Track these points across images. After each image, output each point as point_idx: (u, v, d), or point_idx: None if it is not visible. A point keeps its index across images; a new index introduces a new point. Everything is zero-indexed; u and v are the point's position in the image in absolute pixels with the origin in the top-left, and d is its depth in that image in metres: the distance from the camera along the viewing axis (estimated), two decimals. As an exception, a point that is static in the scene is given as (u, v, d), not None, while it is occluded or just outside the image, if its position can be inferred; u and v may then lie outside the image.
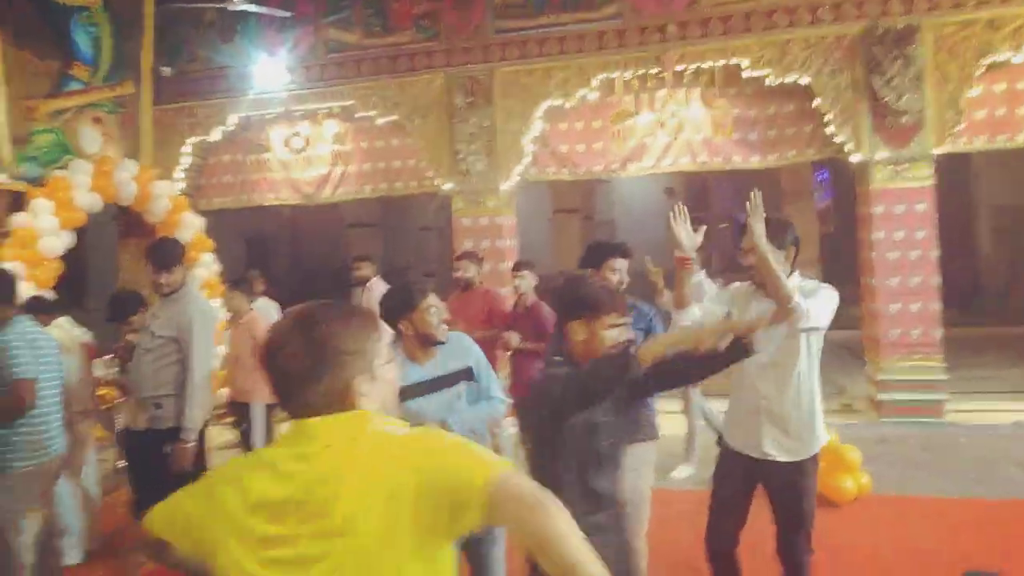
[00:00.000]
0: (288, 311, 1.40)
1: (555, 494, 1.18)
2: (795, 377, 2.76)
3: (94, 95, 7.02)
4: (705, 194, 14.18)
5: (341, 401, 1.29)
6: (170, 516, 1.39)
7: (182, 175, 7.92)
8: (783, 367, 2.75)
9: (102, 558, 4.31)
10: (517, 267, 4.76)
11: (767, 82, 6.48)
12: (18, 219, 5.79)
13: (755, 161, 6.92)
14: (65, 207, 6.05)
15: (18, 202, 5.95)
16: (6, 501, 3.06)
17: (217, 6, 7.25)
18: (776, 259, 2.56)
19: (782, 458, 2.80)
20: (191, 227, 7.51)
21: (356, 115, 7.48)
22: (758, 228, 2.54)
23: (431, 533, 1.22)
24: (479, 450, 1.27)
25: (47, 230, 5.87)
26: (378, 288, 6.43)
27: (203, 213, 8.19)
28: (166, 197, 7.22)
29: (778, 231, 2.70)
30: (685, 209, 2.85)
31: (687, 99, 6.87)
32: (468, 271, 5.02)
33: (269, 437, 4.97)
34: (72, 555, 4.18)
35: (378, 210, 13.10)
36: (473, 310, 4.92)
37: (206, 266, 7.67)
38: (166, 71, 7.70)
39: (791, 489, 2.79)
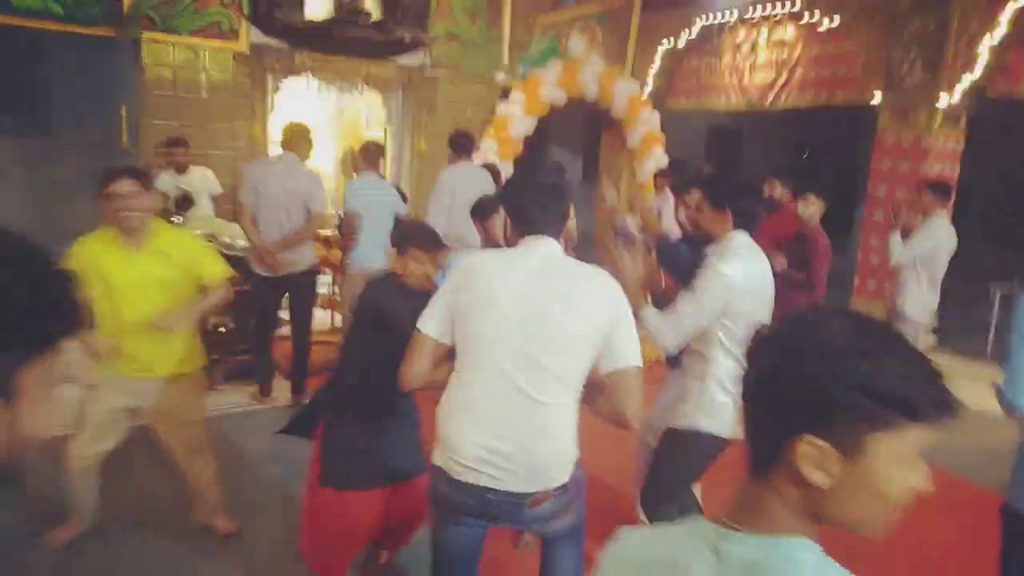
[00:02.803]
0: None
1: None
2: None
3: (586, 8, 8.49)
4: None
5: None
6: None
7: (653, 77, 8.91)
8: None
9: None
10: (800, 189, 4.43)
11: None
12: (500, 107, 7.79)
13: None
14: (532, 99, 7.79)
15: (507, 95, 7.94)
16: None
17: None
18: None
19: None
20: (647, 123, 8.54)
21: (802, 20, 7.17)
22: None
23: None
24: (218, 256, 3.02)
25: (516, 117, 7.73)
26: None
27: (671, 112, 9.16)
28: (625, 96, 8.37)
29: (717, 190, 2.51)
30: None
31: None
32: (774, 189, 4.85)
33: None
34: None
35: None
36: (776, 231, 4.81)
37: (656, 159, 8.68)
38: (654, -18, 8.63)
39: None
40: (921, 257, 4.59)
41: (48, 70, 10.42)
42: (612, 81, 8.25)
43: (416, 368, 1.99)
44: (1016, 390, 1.98)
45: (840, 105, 7.13)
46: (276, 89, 6.83)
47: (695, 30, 8.24)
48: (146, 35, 6.06)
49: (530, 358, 1.86)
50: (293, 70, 6.79)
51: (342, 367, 2.67)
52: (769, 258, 4.48)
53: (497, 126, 7.70)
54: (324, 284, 5.74)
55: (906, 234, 4.76)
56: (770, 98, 7.87)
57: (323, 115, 7.77)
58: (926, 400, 0.80)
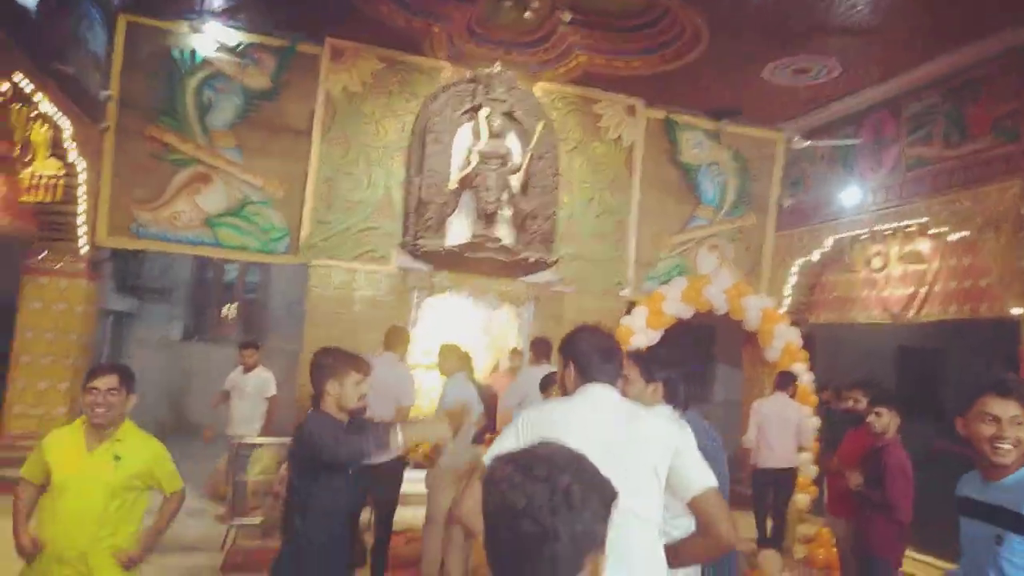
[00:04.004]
0: None
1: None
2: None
3: (715, 228, 8.92)
4: None
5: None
6: None
7: (791, 292, 8.88)
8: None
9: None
10: (873, 402, 4.17)
11: None
12: (624, 320, 8.16)
13: None
14: (655, 313, 8.09)
15: (632, 309, 8.34)
16: None
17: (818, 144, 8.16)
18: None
19: None
20: (783, 337, 8.40)
21: (930, 232, 7.01)
22: None
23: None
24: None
25: (638, 329, 8.03)
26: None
27: (812, 327, 8.97)
28: (757, 309, 8.39)
29: (649, 363, 2.55)
30: None
31: None
32: (859, 402, 4.60)
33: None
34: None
35: None
36: (854, 445, 4.52)
37: (798, 374, 8.37)
38: (786, 203, 8.93)
39: None
40: None
41: (264, 291, 12.66)
42: (742, 295, 8.37)
43: (472, 502, 1.98)
44: None
45: (984, 318, 6.64)
46: (419, 305, 7.81)
47: (828, 245, 8.26)
48: (315, 261, 7.40)
49: None
50: (434, 289, 7.78)
51: (300, 531, 2.72)
52: (844, 476, 4.22)
53: (620, 338, 8.03)
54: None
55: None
56: (911, 311, 7.50)
57: (473, 328, 8.60)
58: None
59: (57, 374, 6.79)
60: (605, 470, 1.87)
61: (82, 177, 6.54)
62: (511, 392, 5.42)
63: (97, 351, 10.08)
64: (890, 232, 7.55)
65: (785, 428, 6.31)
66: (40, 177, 5.56)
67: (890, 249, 7.65)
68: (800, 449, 6.50)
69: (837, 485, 4.55)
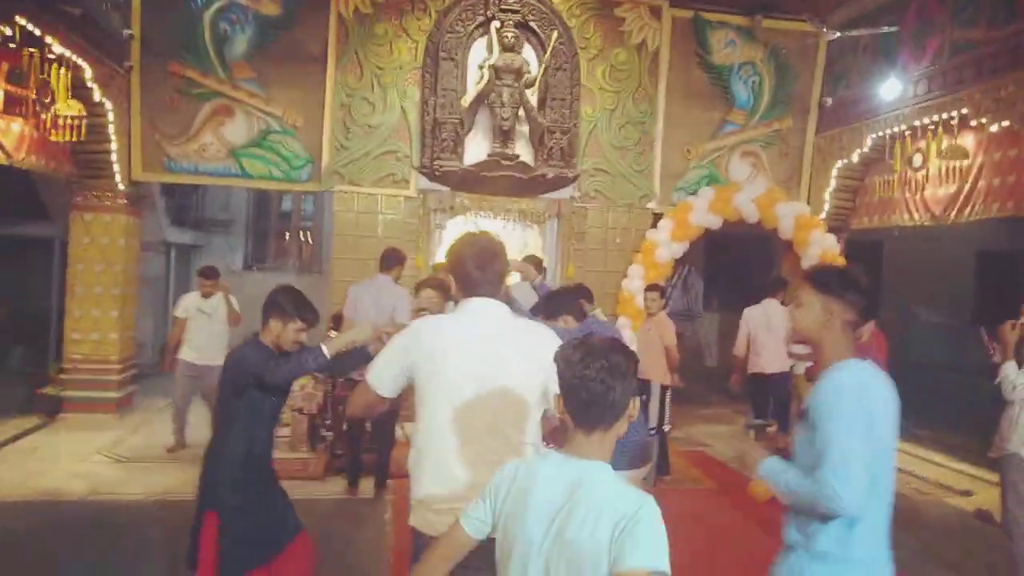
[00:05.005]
0: None
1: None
2: None
3: (749, 133, 8.51)
4: None
5: None
6: None
7: (830, 197, 8.43)
8: None
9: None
10: None
11: None
12: (649, 233, 8.02)
13: None
14: (681, 225, 7.90)
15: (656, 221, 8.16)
16: None
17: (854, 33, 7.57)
18: None
19: None
20: (819, 244, 8.06)
21: (971, 124, 6.47)
22: None
23: None
24: None
25: (662, 242, 7.88)
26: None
27: (854, 232, 8.57)
28: (790, 217, 8.05)
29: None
30: None
31: None
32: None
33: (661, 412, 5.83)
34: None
35: None
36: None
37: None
38: (827, 101, 8.39)
39: None
40: None
41: (320, 220, 13.07)
42: (773, 203, 8.05)
43: (360, 409, 2.31)
44: (845, 478, 1.80)
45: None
46: (441, 226, 7.91)
47: (867, 145, 7.76)
48: (337, 188, 7.59)
49: (491, 421, 2.05)
50: (455, 210, 7.86)
51: (223, 440, 2.92)
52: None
53: (645, 252, 7.94)
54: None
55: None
56: (954, 212, 7.02)
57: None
58: None
59: (108, 303, 7.36)
60: (484, 386, 1.99)
61: (111, 116, 6.89)
62: None
63: (162, 282, 10.81)
64: (931, 127, 7.00)
65: (772, 333, 6.32)
66: (63, 118, 5.88)
67: (931, 145, 7.11)
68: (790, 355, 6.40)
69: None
